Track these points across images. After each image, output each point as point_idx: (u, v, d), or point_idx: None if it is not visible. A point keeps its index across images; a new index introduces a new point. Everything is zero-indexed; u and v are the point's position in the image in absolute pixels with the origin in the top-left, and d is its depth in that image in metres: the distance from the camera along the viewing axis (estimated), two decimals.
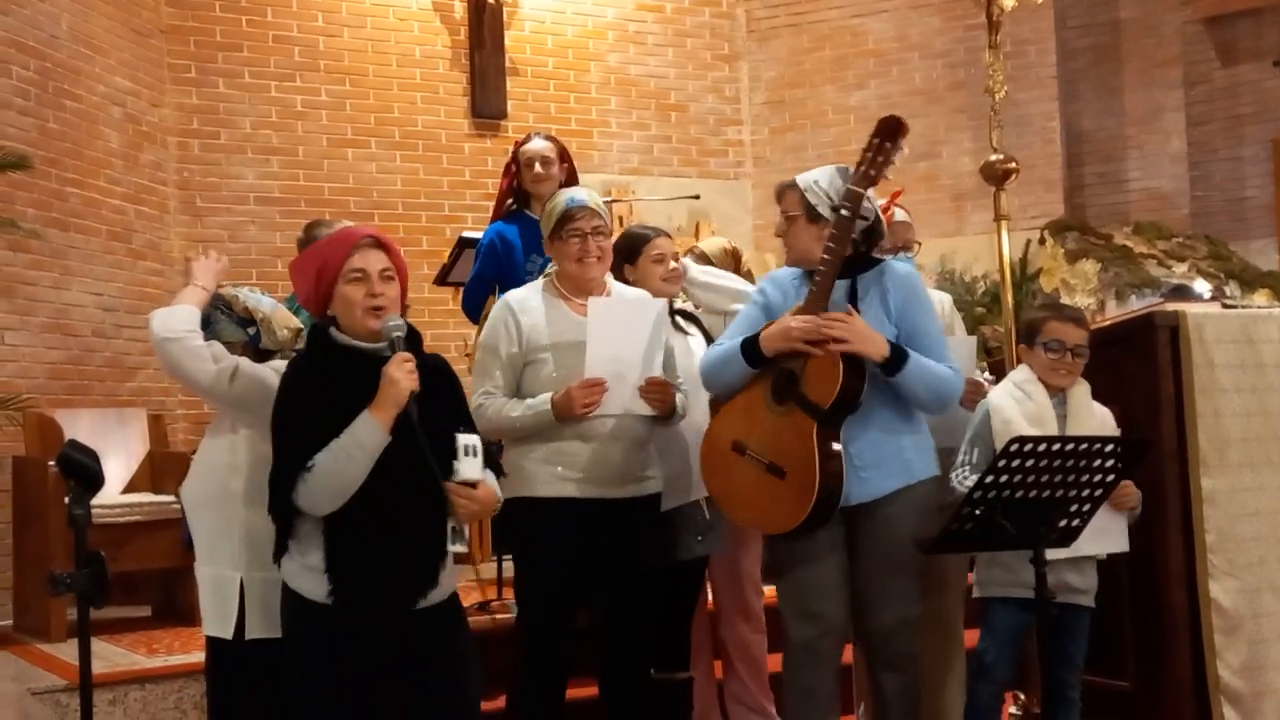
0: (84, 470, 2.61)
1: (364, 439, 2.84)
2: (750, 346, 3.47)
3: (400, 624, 2.92)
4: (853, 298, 3.52)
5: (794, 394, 3.43)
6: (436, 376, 3.08)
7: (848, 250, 3.45)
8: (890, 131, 3.44)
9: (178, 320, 3.21)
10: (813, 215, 3.55)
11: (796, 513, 3.40)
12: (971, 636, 4.04)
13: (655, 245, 4.16)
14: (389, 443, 2.86)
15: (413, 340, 3.04)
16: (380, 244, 3.03)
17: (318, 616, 2.89)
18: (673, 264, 4.17)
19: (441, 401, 3.05)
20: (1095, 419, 3.77)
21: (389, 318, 2.96)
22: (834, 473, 3.39)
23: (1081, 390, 3.83)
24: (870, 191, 3.50)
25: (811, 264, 3.52)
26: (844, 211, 3.44)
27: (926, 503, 3.53)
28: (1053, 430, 3.66)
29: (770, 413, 3.48)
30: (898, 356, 3.40)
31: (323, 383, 2.94)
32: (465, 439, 2.93)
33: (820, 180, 3.58)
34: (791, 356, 3.43)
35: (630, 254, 4.13)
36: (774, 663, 4.23)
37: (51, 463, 5.05)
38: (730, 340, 3.57)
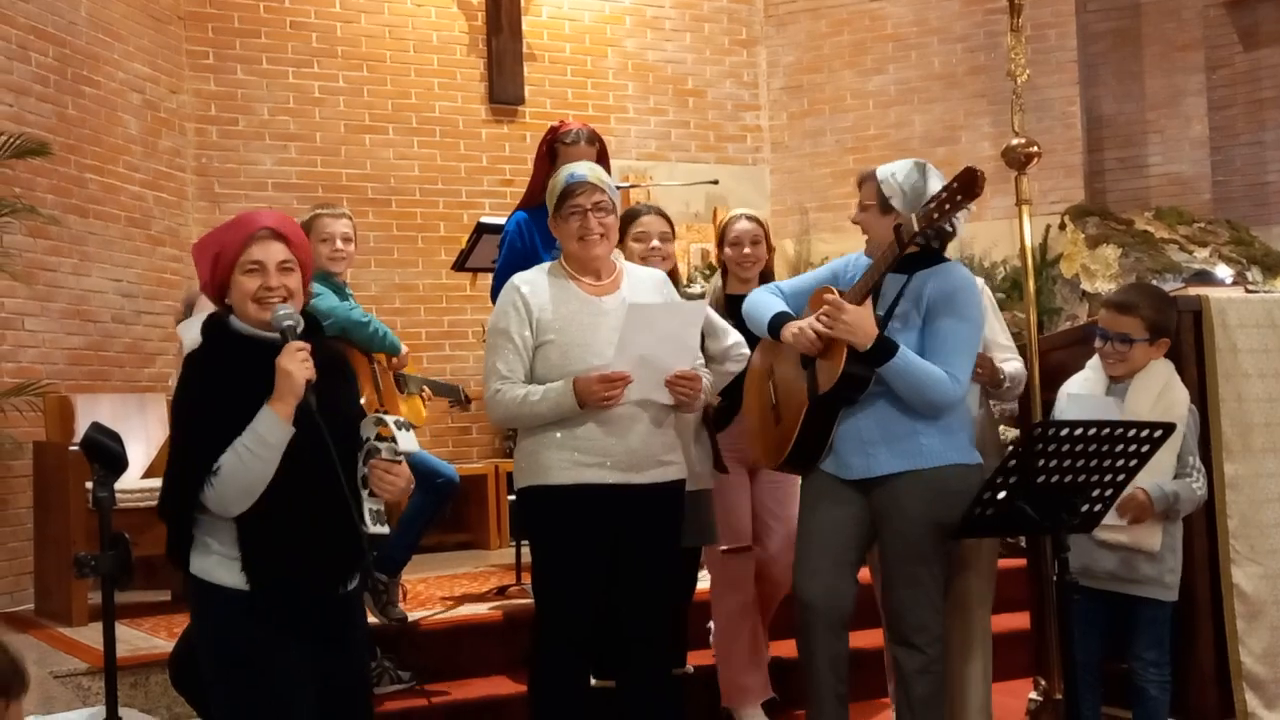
0: (108, 453, 2.61)
1: (266, 434, 2.75)
2: (774, 328, 3.73)
3: (318, 609, 2.87)
4: (902, 292, 3.60)
5: (810, 368, 3.64)
6: (338, 365, 3.06)
7: (891, 266, 3.52)
8: (968, 186, 3.37)
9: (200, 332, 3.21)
10: (885, 207, 3.64)
11: (766, 459, 3.90)
12: (1007, 620, 4.04)
13: (640, 223, 4.18)
14: (294, 434, 2.78)
15: (310, 330, 2.95)
16: (279, 235, 2.92)
17: (236, 605, 2.81)
18: (655, 243, 4.17)
19: (348, 388, 3.06)
20: (1146, 410, 3.62)
21: (279, 307, 2.85)
22: (813, 448, 3.67)
23: (1147, 379, 3.74)
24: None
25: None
26: (899, 236, 3.47)
27: (943, 488, 3.53)
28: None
29: (795, 367, 3.73)
30: (882, 350, 3.46)
31: (223, 375, 2.86)
32: (394, 416, 2.92)
33: (898, 174, 3.65)
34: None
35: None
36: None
37: (72, 447, 5.06)
38: (774, 299, 3.81)
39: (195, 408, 2.83)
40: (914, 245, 3.52)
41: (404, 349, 4.92)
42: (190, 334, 3.46)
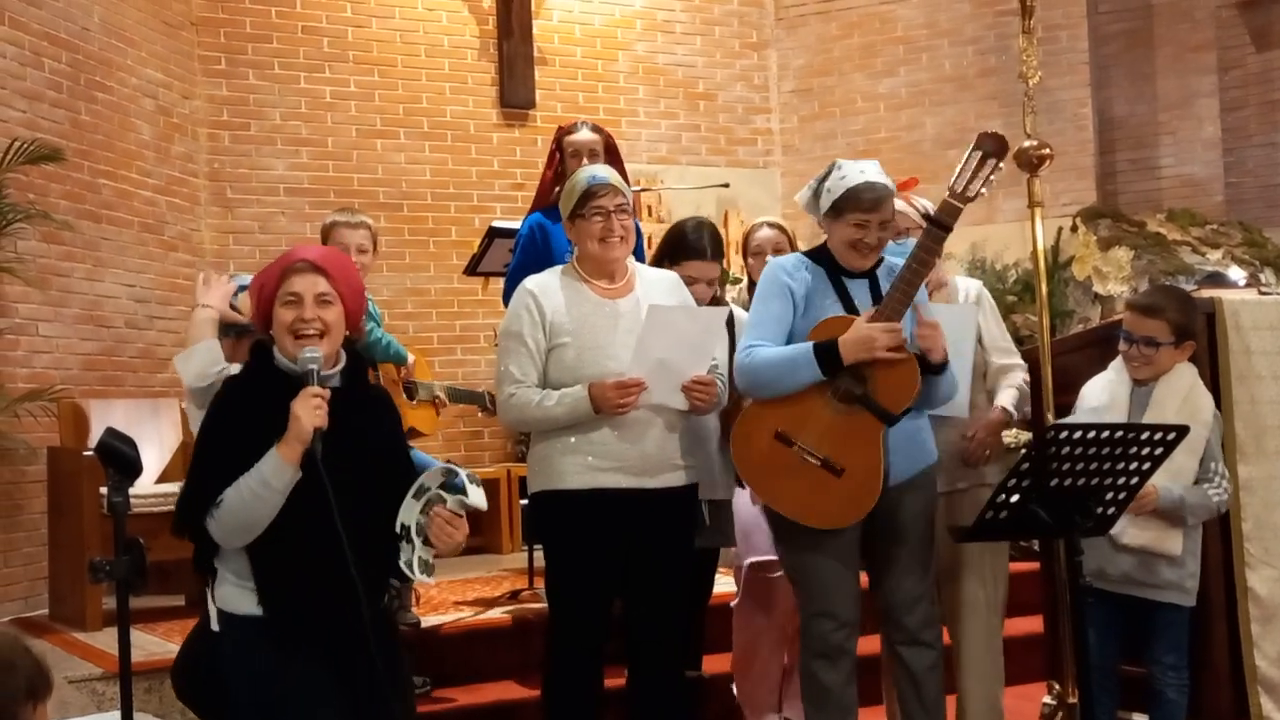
0: (122, 458, 2.62)
1: (269, 477, 2.75)
2: (825, 355, 3.42)
3: (338, 633, 2.86)
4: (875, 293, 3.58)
5: (862, 397, 3.44)
6: (379, 407, 3.06)
7: (937, 261, 3.50)
8: (997, 149, 3.43)
9: (201, 363, 3.23)
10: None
11: (852, 512, 3.48)
12: (1021, 623, 4.03)
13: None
14: (299, 478, 2.78)
15: (354, 370, 2.98)
16: (318, 268, 2.91)
17: (254, 629, 2.85)
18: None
19: (382, 431, 3.02)
20: (1172, 414, 3.60)
21: (306, 350, 2.83)
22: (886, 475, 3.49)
23: (1173, 382, 3.72)
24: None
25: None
26: (941, 225, 3.45)
27: (932, 484, 3.69)
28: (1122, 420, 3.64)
29: (829, 410, 3.46)
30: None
31: (253, 406, 2.86)
32: (467, 471, 2.89)
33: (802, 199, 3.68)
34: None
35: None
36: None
37: (86, 453, 5.08)
38: (769, 344, 3.50)
39: (217, 433, 2.86)
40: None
41: (410, 358, 4.87)
42: (188, 366, 3.44)
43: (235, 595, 2.88)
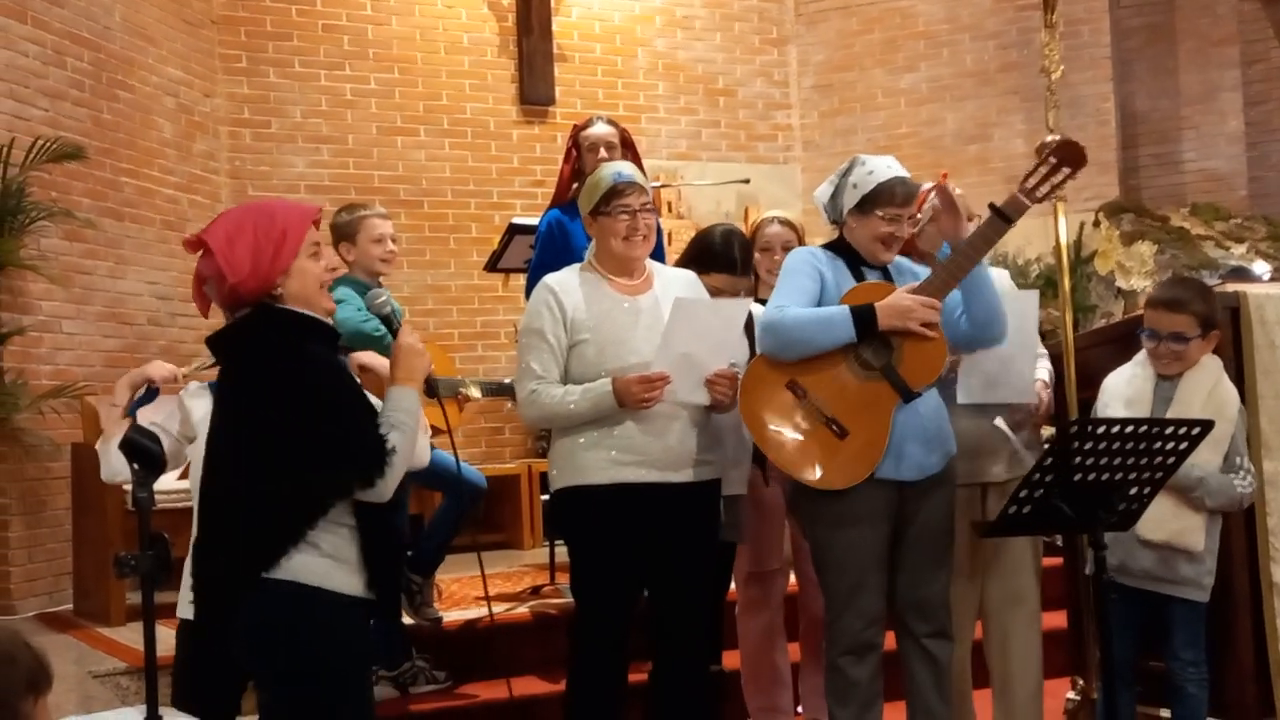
0: (147, 453, 2.63)
1: (417, 413, 2.77)
2: (860, 317, 3.43)
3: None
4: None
5: (885, 368, 3.47)
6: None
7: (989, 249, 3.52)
8: (1074, 160, 3.45)
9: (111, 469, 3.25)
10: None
11: (846, 476, 3.45)
12: (1045, 618, 4.02)
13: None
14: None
15: (328, 337, 2.94)
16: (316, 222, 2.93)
17: (341, 608, 2.72)
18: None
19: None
20: (1197, 408, 3.57)
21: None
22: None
23: (1198, 378, 3.68)
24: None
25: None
26: (1005, 217, 3.46)
27: (955, 474, 3.67)
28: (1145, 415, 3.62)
29: (848, 373, 3.48)
30: None
31: (332, 363, 2.79)
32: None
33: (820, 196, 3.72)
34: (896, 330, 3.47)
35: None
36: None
37: None
38: (799, 305, 3.50)
39: (340, 387, 2.73)
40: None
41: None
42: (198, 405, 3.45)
43: (326, 570, 2.69)
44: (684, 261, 4.16)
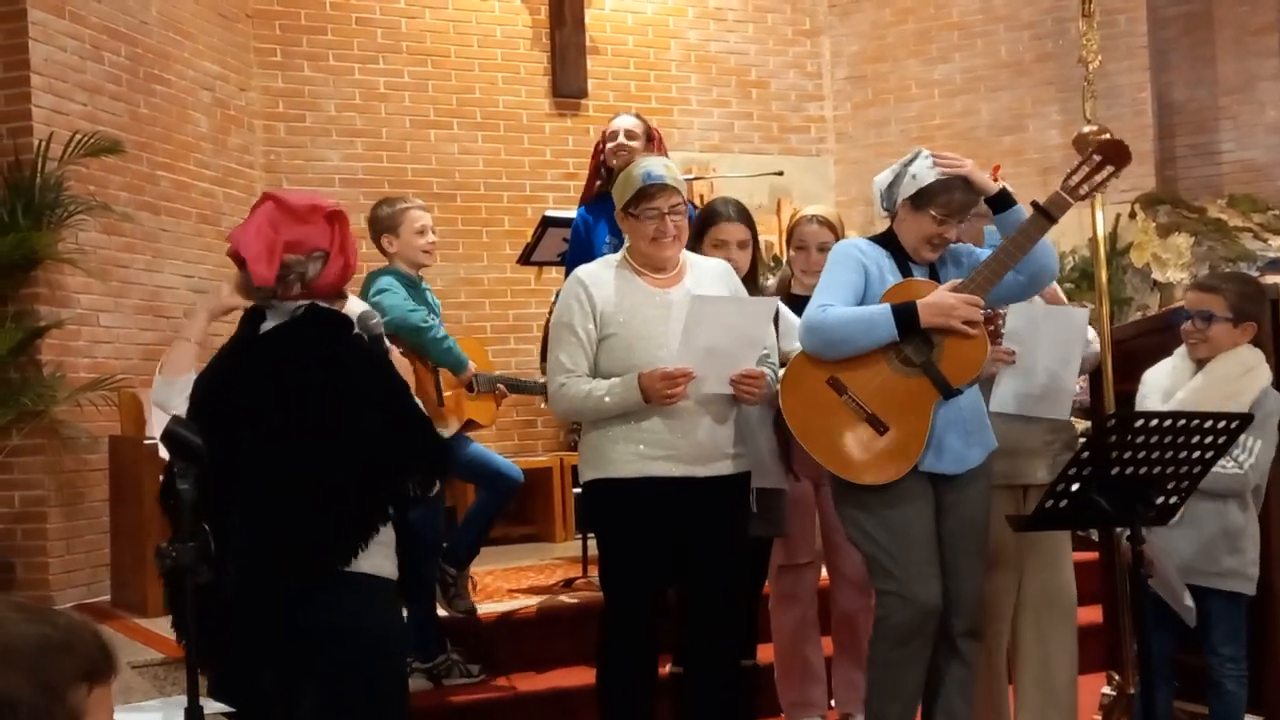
0: (189, 446, 2.64)
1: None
2: (902, 316, 3.43)
3: None
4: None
5: (925, 364, 3.45)
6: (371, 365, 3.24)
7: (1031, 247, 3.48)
8: (1118, 158, 3.44)
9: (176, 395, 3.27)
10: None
11: (886, 472, 3.46)
12: (1080, 613, 4.00)
13: (721, 230, 4.06)
14: None
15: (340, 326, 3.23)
16: None
17: (389, 593, 3.01)
18: (733, 254, 4.02)
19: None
20: (1218, 395, 3.55)
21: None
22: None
23: (1224, 366, 3.64)
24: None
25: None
26: (1048, 215, 3.43)
27: (991, 470, 3.65)
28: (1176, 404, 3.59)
29: (889, 369, 3.48)
30: None
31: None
32: None
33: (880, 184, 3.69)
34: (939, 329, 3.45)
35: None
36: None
37: (147, 441, 5.14)
38: (843, 302, 3.49)
39: (404, 398, 3.09)
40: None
41: (471, 366, 4.67)
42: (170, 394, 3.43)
43: (384, 562, 2.97)
44: (692, 235, 4.09)
